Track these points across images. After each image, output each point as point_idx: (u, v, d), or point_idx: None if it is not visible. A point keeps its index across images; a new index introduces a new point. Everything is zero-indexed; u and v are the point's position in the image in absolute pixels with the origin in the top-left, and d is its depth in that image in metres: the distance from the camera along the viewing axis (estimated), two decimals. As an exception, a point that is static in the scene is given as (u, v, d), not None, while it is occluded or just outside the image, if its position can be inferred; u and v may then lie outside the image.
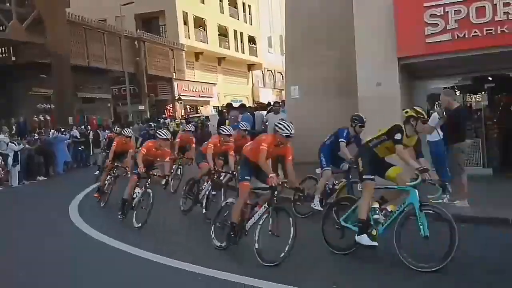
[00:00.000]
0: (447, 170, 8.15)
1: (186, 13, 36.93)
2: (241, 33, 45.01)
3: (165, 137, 8.35)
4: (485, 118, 10.96)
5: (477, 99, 11.49)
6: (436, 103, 8.21)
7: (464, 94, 11.46)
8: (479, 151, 10.65)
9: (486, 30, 9.07)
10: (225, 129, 8.17)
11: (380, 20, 10.03)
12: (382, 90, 9.96)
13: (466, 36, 9.20)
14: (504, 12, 8.94)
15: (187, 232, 7.79)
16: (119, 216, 8.37)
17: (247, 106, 18.00)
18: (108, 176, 10.27)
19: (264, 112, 14.06)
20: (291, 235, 5.49)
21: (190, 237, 7.40)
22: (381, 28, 10.02)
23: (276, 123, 6.05)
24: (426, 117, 5.72)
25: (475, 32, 9.15)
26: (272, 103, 16.19)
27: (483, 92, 11.41)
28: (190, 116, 29.95)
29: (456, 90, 11.22)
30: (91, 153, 20.34)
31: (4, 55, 25.21)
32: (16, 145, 15.31)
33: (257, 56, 46.83)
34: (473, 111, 11.09)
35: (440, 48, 9.42)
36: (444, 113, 7.72)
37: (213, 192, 8.15)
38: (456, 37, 9.27)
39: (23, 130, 20.16)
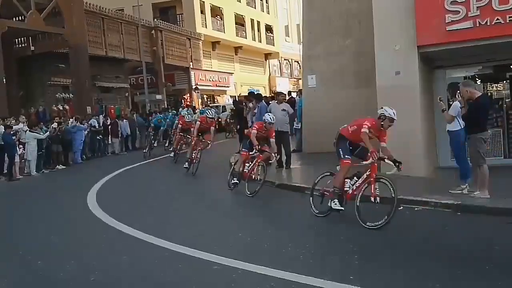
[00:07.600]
0: (467, 160, 8.03)
1: (203, 2, 36.82)
2: (258, 22, 44.76)
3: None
4: (507, 107, 10.75)
5: (499, 88, 11.23)
6: (458, 92, 8.06)
7: (485, 83, 11.22)
8: (501, 141, 10.47)
9: (509, 17, 8.83)
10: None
11: (399, 8, 9.86)
12: (401, 79, 9.83)
13: (488, 24, 8.97)
14: (528, -1, 8.70)
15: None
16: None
17: (263, 95, 17.89)
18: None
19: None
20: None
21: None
22: (400, 16, 9.85)
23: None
24: None
25: (497, 19, 8.91)
26: (288, 93, 16.08)
27: (504, 81, 11.15)
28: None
29: (477, 79, 11.01)
30: (109, 142, 20.53)
31: (23, 45, 25.46)
32: (40, 134, 15.59)
33: (274, 45, 46.54)
34: (495, 100, 10.88)
35: (461, 36, 9.20)
36: (466, 102, 7.60)
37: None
38: (477, 25, 9.05)
39: (43, 119, 20.34)
